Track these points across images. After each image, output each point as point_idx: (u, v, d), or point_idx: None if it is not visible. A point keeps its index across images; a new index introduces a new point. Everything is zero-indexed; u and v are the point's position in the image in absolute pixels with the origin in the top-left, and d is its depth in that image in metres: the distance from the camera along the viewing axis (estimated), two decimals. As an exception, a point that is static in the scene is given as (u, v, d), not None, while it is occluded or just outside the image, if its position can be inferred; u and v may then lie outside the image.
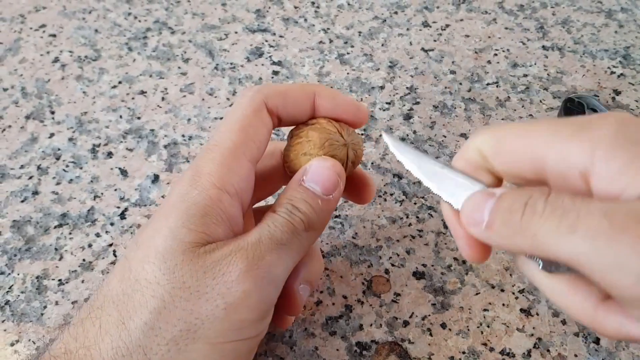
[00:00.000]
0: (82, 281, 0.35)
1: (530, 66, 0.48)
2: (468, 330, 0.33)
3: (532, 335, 0.32)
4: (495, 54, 0.49)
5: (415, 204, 0.39)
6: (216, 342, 0.23)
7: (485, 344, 0.32)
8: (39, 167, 0.41)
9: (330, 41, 0.50)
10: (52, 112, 0.45)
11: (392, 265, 0.36)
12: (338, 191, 0.27)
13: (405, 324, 0.33)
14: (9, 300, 0.34)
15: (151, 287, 0.23)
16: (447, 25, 0.52)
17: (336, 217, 0.38)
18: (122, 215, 0.38)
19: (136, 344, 0.22)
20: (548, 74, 0.47)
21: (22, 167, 0.41)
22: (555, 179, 0.20)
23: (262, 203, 0.39)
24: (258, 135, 0.27)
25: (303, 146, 0.28)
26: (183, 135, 0.43)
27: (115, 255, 0.36)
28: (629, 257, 0.17)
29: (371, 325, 0.33)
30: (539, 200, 0.19)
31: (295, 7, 0.54)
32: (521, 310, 0.33)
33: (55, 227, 0.38)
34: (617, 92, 0.46)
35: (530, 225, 0.19)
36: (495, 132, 0.22)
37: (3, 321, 0.33)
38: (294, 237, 0.25)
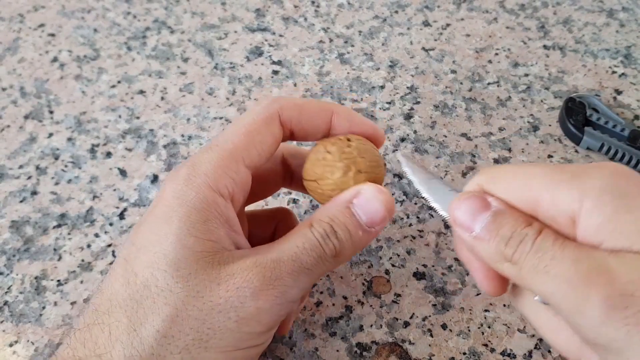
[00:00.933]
0: (81, 282, 0.35)
1: (532, 65, 0.48)
2: (469, 331, 0.33)
3: (533, 336, 0.32)
4: (496, 54, 0.49)
5: (415, 204, 0.39)
6: (227, 350, 0.23)
7: (486, 345, 0.32)
8: (37, 167, 0.41)
9: (331, 40, 0.50)
10: (51, 112, 0.45)
11: (393, 265, 0.35)
12: (383, 225, 0.26)
13: (406, 324, 0.33)
14: (7, 301, 0.34)
15: (163, 294, 0.23)
16: (448, 25, 0.52)
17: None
18: (121, 216, 0.38)
19: (149, 352, 0.22)
20: (549, 74, 0.47)
21: (20, 167, 0.41)
22: (546, 219, 0.22)
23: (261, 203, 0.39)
24: (262, 144, 0.26)
25: (322, 157, 0.27)
26: (182, 135, 0.43)
27: (114, 256, 0.36)
28: (586, 305, 0.19)
29: (371, 326, 0.33)
30: (529, 240, 0.21)
31: (295, 7, 0.54)
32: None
33: (54, 228, 0.37)
34: (619, 92, 0.46)
35: (519, 260, 0.21)
36: (495, 171, 0.24)
37: (2, 322, 0.33)
38: (320, 263, 0.25)
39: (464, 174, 0.40)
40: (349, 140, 0.28)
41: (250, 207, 0.32)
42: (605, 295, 0.19)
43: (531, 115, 0.44)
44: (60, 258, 0.36)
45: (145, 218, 0.25)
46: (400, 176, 0.40)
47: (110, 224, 0.38)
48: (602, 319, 0.19)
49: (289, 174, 0.31)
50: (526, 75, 0.47)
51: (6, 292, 0.34)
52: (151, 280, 0.23)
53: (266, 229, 0.32)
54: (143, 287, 0.23)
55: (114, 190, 0.40)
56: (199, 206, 0.24)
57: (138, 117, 0.44)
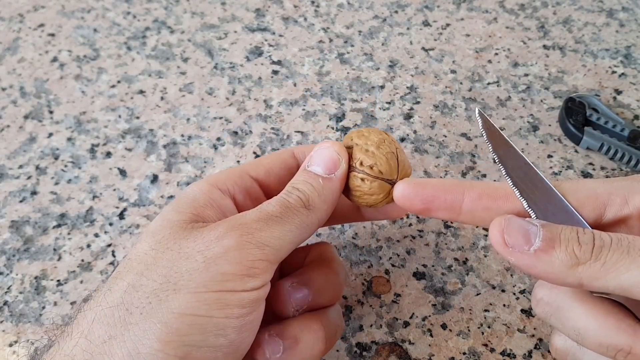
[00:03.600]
0: (81, 282, 0.35)
1: (531, 65, 0.48)
2: (469, 331, 0.33)
3: (533, 336, 0.32)
4: (496, 54, 0.49)
5: (415, 204, 0.38)
6: (197, 291, 0.23)
7: (486, 345, 0.32)
8: (37, 167, 0.41)
9: (330, 40, 0.50)
10: (51, 112, 0.45)
11: (393, 265, 0.35)
12: (340, 170, 0.27)
13: (406, 324, 0.33)
14: (7, 301, 0.34)
15: (138, 258, 0.24)
16: (448, 25, 0.52)
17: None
18: (121, 216, 0.38)
19: (118, 302, 0.23)
20: (549, 74, 0.47)
21: (20, 167, 0.41)
22: (615, 221, 0.23)
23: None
24: (271, 165, 0.30)
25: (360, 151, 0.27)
26: (182, 135, 0.43)
27: (114, 256, 0.36)
28: None
29: (371, 326, 0.33)
30: (605, 235, 0.21)
31: (295, 6, 0.54)
32: (522, 310, 0.33)
33: (53, 228, 0.37)
34: (619, 92, 0.46)
35: (601, 254, 0.21)
36: (573, 183, 0.24)
37: (1, 322, 0.33)
38: (289, 211, 0.25)
39: (463, 174, 0.40)
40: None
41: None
42: None
43: (531, 115, 0.44)
44: (60, 258, 0.36)
45: None
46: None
47: (110, 224, 0.38)
48: None
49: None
50: (526, 75, 0.47)
51: (6, 292, 0.34)
52: (133, 252, 0.25)
53: (299, 255, 0.31)
54: (127, 260, 0.25)
55: (114, 190, 0.40)
56: (192, 194, 0.27)
57: (138, 117, 0.44)
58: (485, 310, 0.33)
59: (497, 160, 0.25)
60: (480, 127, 0.25)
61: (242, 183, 0.28)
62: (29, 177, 0.40)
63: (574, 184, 0.24)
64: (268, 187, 0.30)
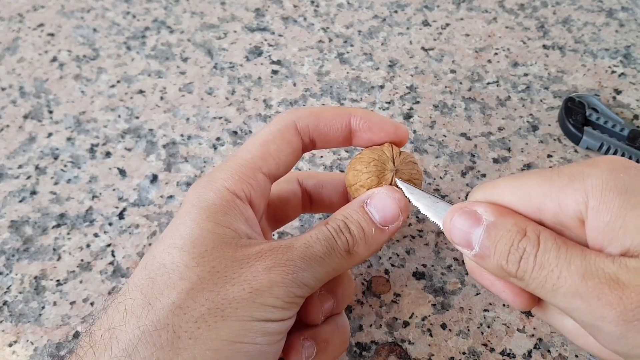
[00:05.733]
0: (81, 281, 0.35)
1: (531, 65, 0.48)
2: (468, 330, 0.33)
3: (533, 335, 0.32)
4: (496, 53, 0.49)
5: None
6: (244, 320, 0.23)
7: (485, 345, 0.32)
8: (37, 167, 0.41)
9: (330, 40, 0.50)
10: (50, 112, 0.45)
11: (392, 265, 0.35)
12: (396, 225, 0.27)
13: (405, 324, 0.33)
14: (7, 301, 0.34)
15: (178, 269, 0.23)
16: (447, 24, 0.52)
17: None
18: (121, 215, 0.38)
19: (164, 322, 0.22)
20: (549, 73, 0.47)
21: (20, 167, 0.41)
22: (554, 225, 0.22)
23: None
24: (279, 153, 0.28)
25: (355, 162, 0.29)
26: (182, 135, 0.43)
27: (113, 256, 0.36)
28: (603, 323, 0.19)
29: (371, 325, 0.33)
30: (530, 257, 0.21)
31: (295, 6, 0.54)
32: (522, 310, 0.33)
33: (53, 228, 0.37)
34: (618, 92, 0.46)
35: (524, 277, 0.21)
36: (492, 187, 0.24)
37: (1, 322, 0.33)
38: (332, 254, 0.25)
39: (463, 174, 0.40)
40: (389, 147, 0.29)
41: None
42: (619, 311, 0.19)
43: (530, 115, 0.44)
44: (59, 258, 0.36)
45: (171, 221, 0.27)
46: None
47: (110, 224, 0.38)
48: (620, 333, 0.19)
49: (307, 198, 0.33)
50: (525, 75, 0.47)
51: (5, 292, 0.34)
52: (167, 259, 0.24)
53: None
54: (159, 265, 0.24)
55: (114, 190, 0.40)
56: (217, 202, 0.25)
57: (137, 117, 0.44)
58: (485, 310, 0.33)
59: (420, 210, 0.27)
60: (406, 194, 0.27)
61: (257, 185, 0.27)
62: (29, 177, 0.40)
63: (508, 186, 0.23)
64: (275, 177, 0.29)
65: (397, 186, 0.28)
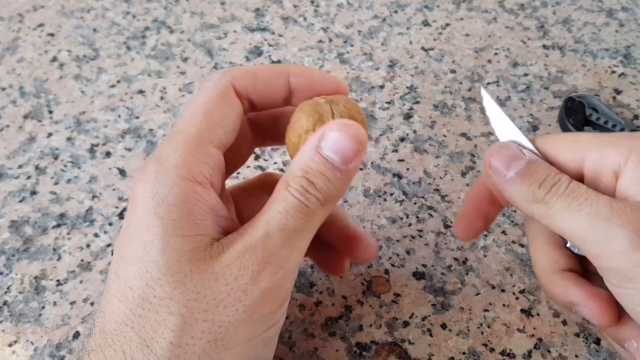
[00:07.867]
0: (81, 281, 0.35)
1: (531, 65, 0.48)
2: (468, 330, 0.33)
3: (533, 335, 0.32)
4: (496, 53, 0.49)
5: (415, 204, 0.38)
6: (245, 341, 0.23)
7: (485, 345, 0.32)
8: (37, 167, 0.41)
9: (330, 40, 0.50)
10: (50, 112, 0.45)
11: (392, 265, 0.35)
12: (358, 159, 0.24)
13: (405, 324, 0.33)
14: (7, 301, 0.34)
15: (164, 303, 0.22)
16: (447, 24, 0.52)
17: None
18: (121, 215, 0.38)
19: None
20: (549, 73, 0.47)
21: (20, 167, 0.41)
22: (591, 175, 0.25)
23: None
24: (225, 120, 0.25)
25: (288, 127, 0.26)
26: (182, 135, 0.43)
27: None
28: (617, 236, 0.22)
29: (371, 325, 0.33)
30: (563, 183, 0.24)
31: (295, 6, 0.54)
32: (522, 310, 0.33)
33: (53, 227, 0.37)
34: (618, 92, 0.46)
35: (551, 200, 0.24)
36: (549, 136, 0.27)
37: (1, 322, 0.33)
38: (310, 219, 0.23)
39: (463, 174, 0.40)
40: (328, 99, 0.26)
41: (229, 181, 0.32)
42: (636, 228, 0.22)
43: (531, 115, 0.44)
44: (59, 258, 0.36)
45: (125, 228, 0.24)
46: (399, 176, 0.40)
47: (110, 224, 0.38)
48: (630, 247, 0.22)
49: (259, 134, 0.30)
50: (525, 75, 0.47)
51: (5, 292, 0.34)
52: (148, 292, 0.22)
53: (259, 202, 0.28)
54: (142, 300, 0.22)
55: (114, 190, 0.40)
56: (177, 201, 0.23)
57: (137, 117, 0.44)
58: (485, 310, 0.33)
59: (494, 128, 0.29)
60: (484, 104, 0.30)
61: (212, 162, 0.24)
62: (29, 177, 0.40)
63: (562, 137, 0.27)
64: (225, 146, 0.26)
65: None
